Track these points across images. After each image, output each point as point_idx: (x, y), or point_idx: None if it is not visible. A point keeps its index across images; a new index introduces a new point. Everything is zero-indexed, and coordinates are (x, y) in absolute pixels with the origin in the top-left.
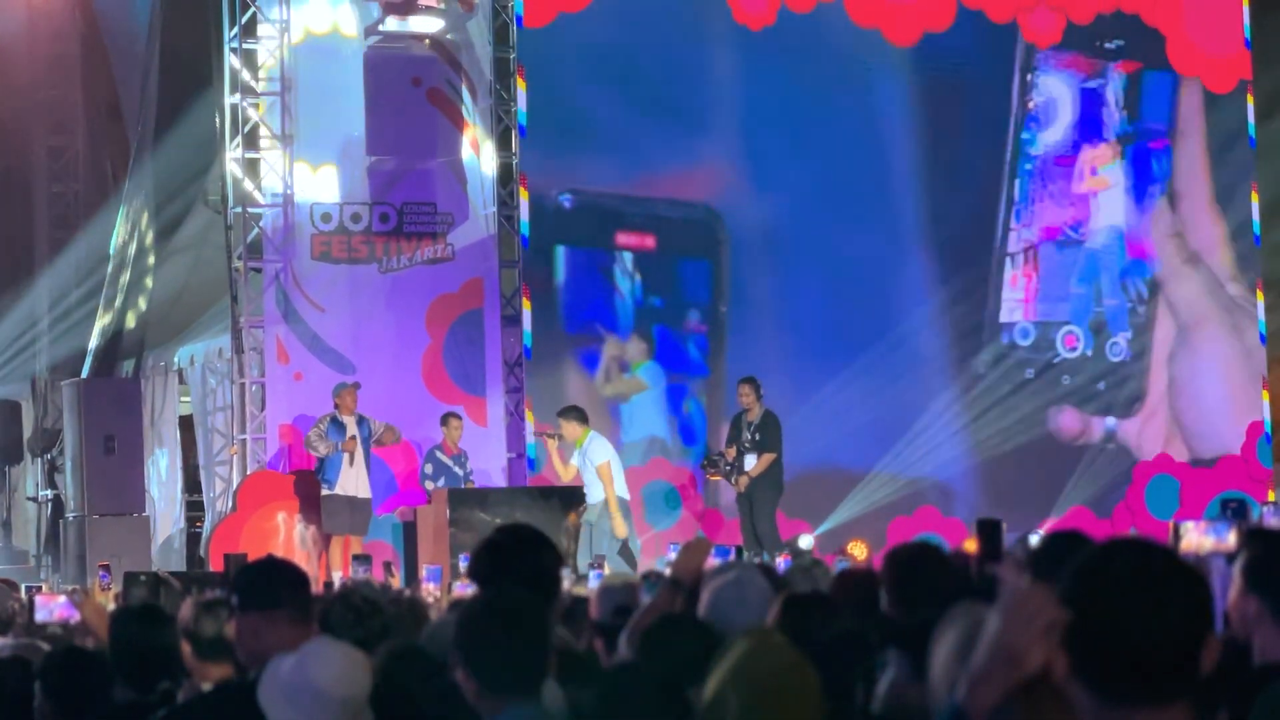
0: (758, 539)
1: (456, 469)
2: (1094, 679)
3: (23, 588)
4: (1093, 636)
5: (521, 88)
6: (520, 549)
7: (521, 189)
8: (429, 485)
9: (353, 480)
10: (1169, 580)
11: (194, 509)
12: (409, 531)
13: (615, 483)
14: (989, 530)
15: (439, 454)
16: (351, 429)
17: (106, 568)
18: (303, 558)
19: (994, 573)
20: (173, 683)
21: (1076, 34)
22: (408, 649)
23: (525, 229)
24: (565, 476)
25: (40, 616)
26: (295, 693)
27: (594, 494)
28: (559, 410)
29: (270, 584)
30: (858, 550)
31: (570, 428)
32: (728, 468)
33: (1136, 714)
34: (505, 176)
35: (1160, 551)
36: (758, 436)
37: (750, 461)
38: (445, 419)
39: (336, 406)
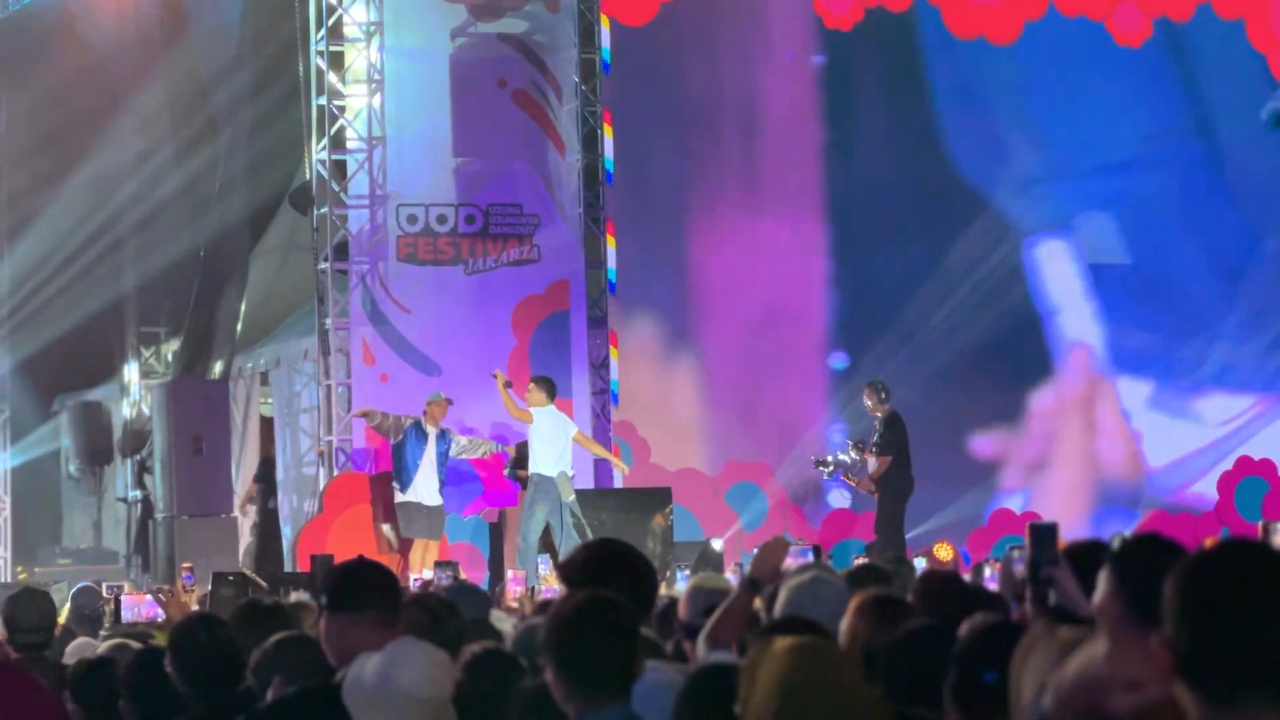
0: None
1: None
2: (1203, 681)
3: (103, 587)
4: (1202, 638)
5: (603, 62)
6: (620, 568)
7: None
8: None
9: (426, 487)
10: (1278, 580)
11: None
12: (494, 532)
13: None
14: (1044, 534)
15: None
16: (432, 440)
17: (190, 569)
18: (389, 559)
19: (1049, 576)
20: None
21: None
22: (493, 651)
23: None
24: (514, 413)
25: (127, 616)
26: (379, 693)
27: (533, 465)
28: (533, 377)
29: (357, 585)
30: (942, 552)
31: (535, 395)
32: (849, 467)
33: (1245, 716)
34: (591, 178)
35: (1269, 551)
36: (879, 439)
37: (873, 464)
38: None
39: (425, 414)
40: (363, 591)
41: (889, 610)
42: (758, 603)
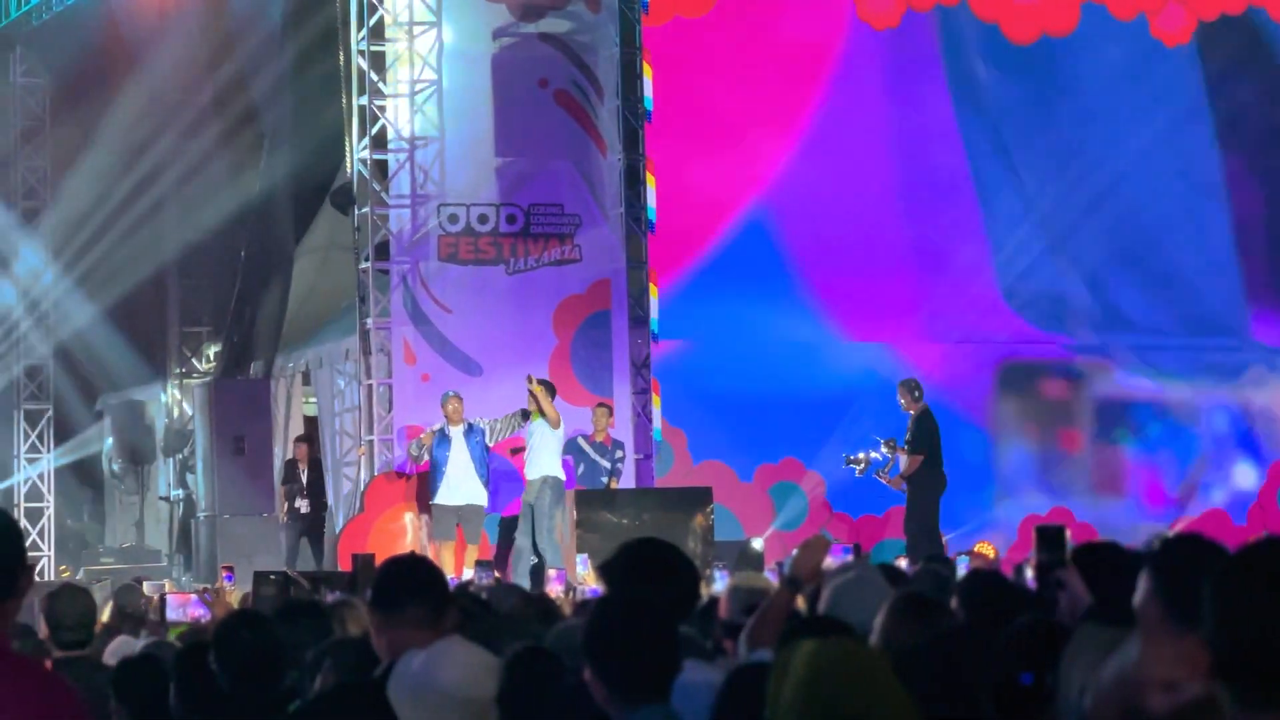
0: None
1: (597, 457)
2: (1240, 681)
3: (143, 585)
4: (1238, 638)
5: (647, 73)
6: (661, 568)
7: (650, 178)
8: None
9: (451, 489)
10: None
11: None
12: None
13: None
14: (1052, 537)
15: (580, 441)
16: (458, 438)
17: (230, 569)
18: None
19: (1058, 579)
20: (282, 683)
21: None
22: (534, 650)
23: (652, 214)
24: (554, 415)
25: (172, 615)
26: (422, 692)
27: (536, 469)
28: (544, 379)
29: (401, 583)
30: (986, 550)
31: (544, 396)
32: (881, 465)
33: None
34: (632, 177)
35: None
36: (910, 436)
37: (904, 462)
38: (595, 408)
39: (445, 418)
40: (406, 589)
41: (922, 610)
42: (800, 602)
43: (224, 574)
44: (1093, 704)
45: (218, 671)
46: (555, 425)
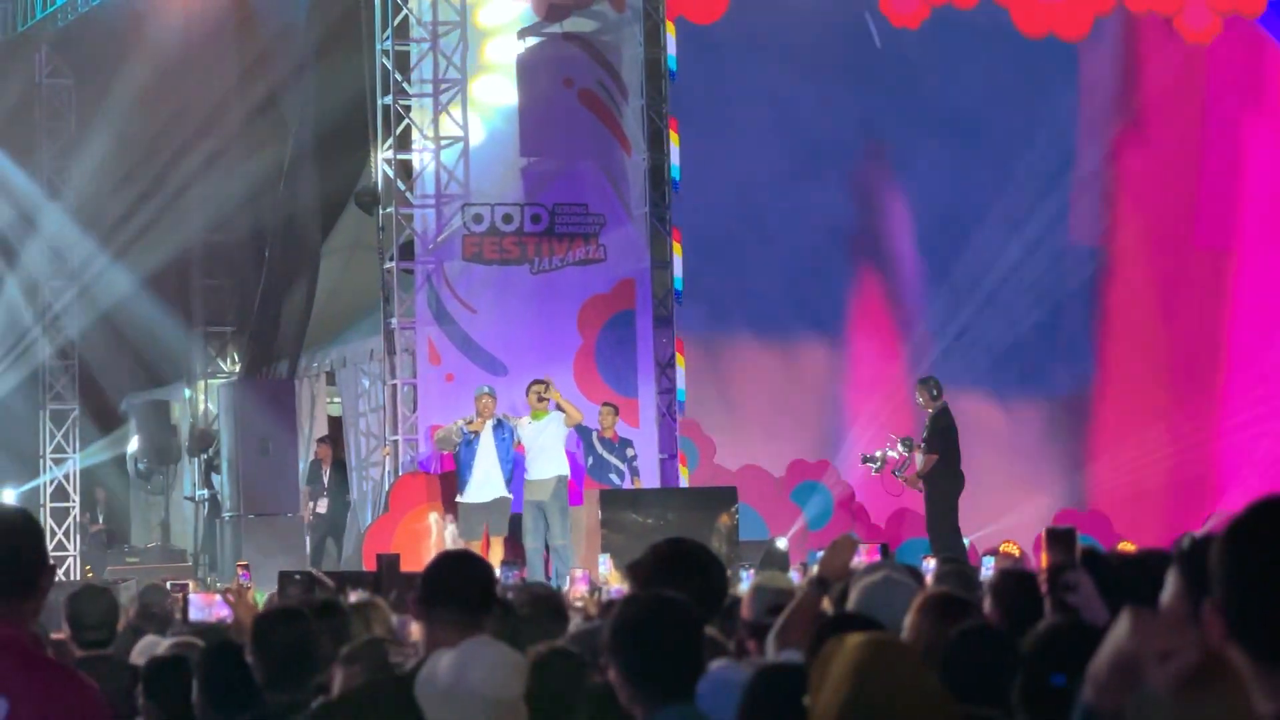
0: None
1: (607, 454)
2: (1254, 641)
3: (166, 585)
4: (1247, 597)
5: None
6: (691, 567)
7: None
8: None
9: (479, 486)
10: None
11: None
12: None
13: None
14: (1062, 539)
15: (594, 437)
16: (486, 434)
17: (246, 567)
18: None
19: (1069, 582)
20: (317, 679)
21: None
22: (559, 650)
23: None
24: (573, 415)
25: (195, 615)
26: (450, 691)
27: (548, 468)
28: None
29: (443, 582)
30: (1011, 549)
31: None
32: (897, 464)
33: None
34: (657, 177)
35: None
36: (927, 435)
37: (920, 461)
38: (602, 406)
39: (476, 413)
40: (448, 588)
41: (953, 609)
42: (826, 602)
43: (240, 573)
44: (1091, 690)
45: (255, 665)
46: (578, 420)
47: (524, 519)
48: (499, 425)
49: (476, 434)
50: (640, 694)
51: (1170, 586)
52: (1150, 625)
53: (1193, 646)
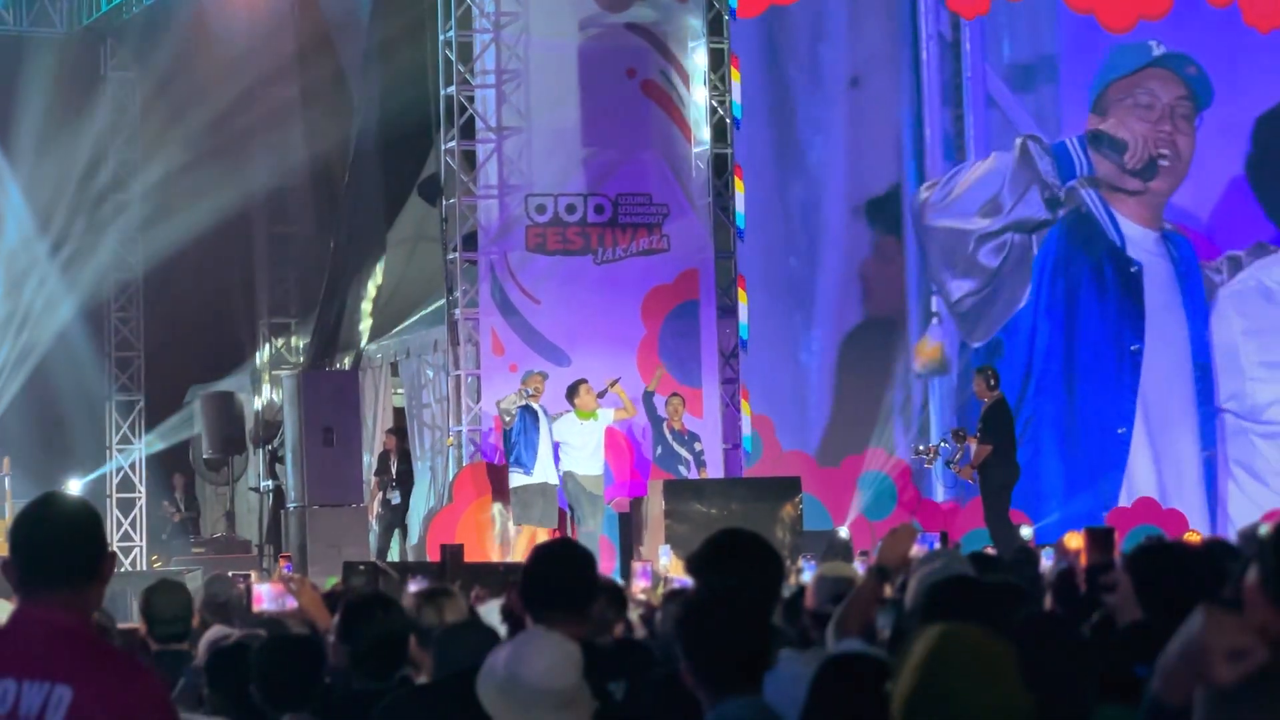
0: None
1: (676, 445)
2: None
3: (228, 574)
4: None
5: (735, 79)
6: (745, 558)
7: (737, 180)
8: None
9: (545, 467)
10: None
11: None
12: (624, 521)
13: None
14: (1101, 538)
15: (664, 427)
16: (543, 418)
17: (289, 558)
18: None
19: (1105, 582)
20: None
21: None
22: (623, 641)
23: (741, 220)
24: (632, 411)
25: (267, 606)
26: (507, 684)
27: (591, 465)
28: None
29: (542, 580)
30: (1074, 541)
31: (588, 398)
32: (951, 455)
33: None
34: (720, 167)
35: None
36: (981, 425)
37: (974, 451)
38: (670, 397)
39: (531, 393)
40: (554, 585)
41: (1011, 600)
42: (887, 591)
43: (283, 564)
44: (1159, 679)
45: (341, 650)
46: (633, 415)
47: (579, 508)
48: (546, 413)
49: (536, 413)
50: (706, 684)
51: (1251, 576)
52: (1223, 623)
53: (1261, 647)
